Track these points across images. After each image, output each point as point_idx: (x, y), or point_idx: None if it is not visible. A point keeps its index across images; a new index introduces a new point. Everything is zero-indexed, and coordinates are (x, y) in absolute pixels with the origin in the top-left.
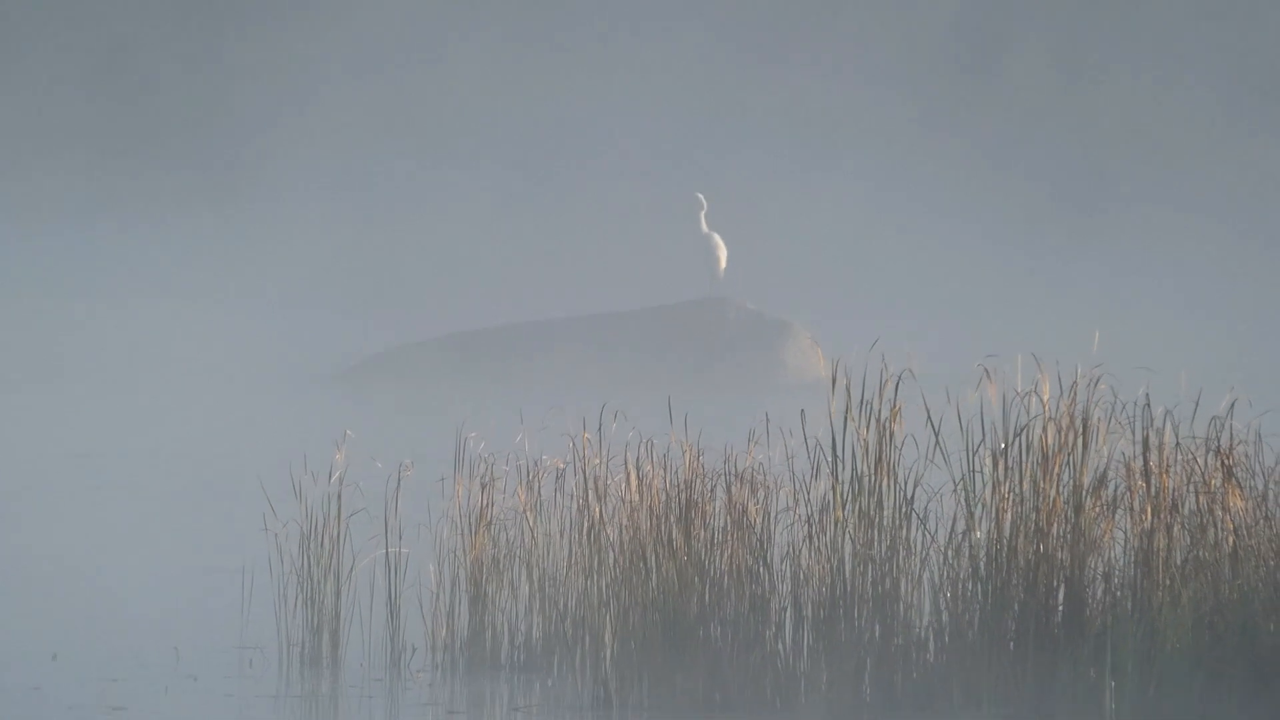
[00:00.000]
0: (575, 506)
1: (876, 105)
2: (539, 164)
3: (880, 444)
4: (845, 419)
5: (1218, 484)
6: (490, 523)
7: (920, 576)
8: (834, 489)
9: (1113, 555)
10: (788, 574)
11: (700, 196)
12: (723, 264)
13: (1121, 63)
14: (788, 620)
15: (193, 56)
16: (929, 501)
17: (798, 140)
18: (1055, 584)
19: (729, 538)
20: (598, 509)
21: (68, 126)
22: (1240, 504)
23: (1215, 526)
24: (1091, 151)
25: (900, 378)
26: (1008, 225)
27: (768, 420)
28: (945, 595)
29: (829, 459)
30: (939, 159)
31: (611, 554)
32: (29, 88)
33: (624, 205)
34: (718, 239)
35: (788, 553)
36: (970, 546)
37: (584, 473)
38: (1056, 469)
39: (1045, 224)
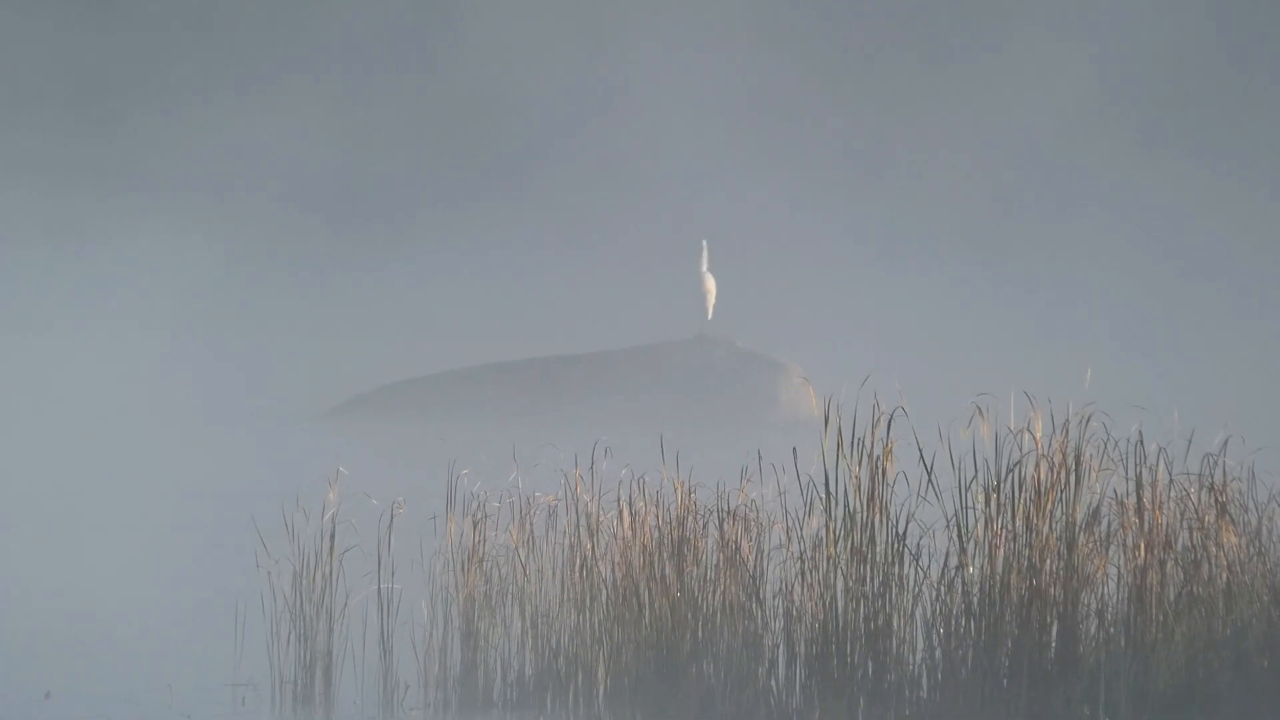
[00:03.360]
0: (568, 543)
1: (864, 146)
2: (537, 204)
3: (873, 481)
4: (838, 456)
5: (1211, 520)
6: (483, 559)
7: (913, 613)
8: (827, 525)
9: (1106, 591)
10: (780, 610)
11: (704, 242)
12: (711, 303)
13: (1115, 111)
14: (780, 657)
15: (159, 74)
16: (921, 538)
17: (790, 183)
18: (1048, 620)
19: (722, 574)
20: (590, 545)
21: (33, 158)
22: (1234, 540)
23: (1209, 563)
24: (1079, 195)
25: (892, 415)
26: (999, 265)
27: (760, 458)
28: (938, 631)
29: (821, 496)
30: (930, 200)
31: (604, 591)
32: None
33: (618, 246)
34: (711, 280)
35: (780, 589)
36: (963, 583)
37: (576, 509)
38: (1049, 505)
39: (1038, 262)
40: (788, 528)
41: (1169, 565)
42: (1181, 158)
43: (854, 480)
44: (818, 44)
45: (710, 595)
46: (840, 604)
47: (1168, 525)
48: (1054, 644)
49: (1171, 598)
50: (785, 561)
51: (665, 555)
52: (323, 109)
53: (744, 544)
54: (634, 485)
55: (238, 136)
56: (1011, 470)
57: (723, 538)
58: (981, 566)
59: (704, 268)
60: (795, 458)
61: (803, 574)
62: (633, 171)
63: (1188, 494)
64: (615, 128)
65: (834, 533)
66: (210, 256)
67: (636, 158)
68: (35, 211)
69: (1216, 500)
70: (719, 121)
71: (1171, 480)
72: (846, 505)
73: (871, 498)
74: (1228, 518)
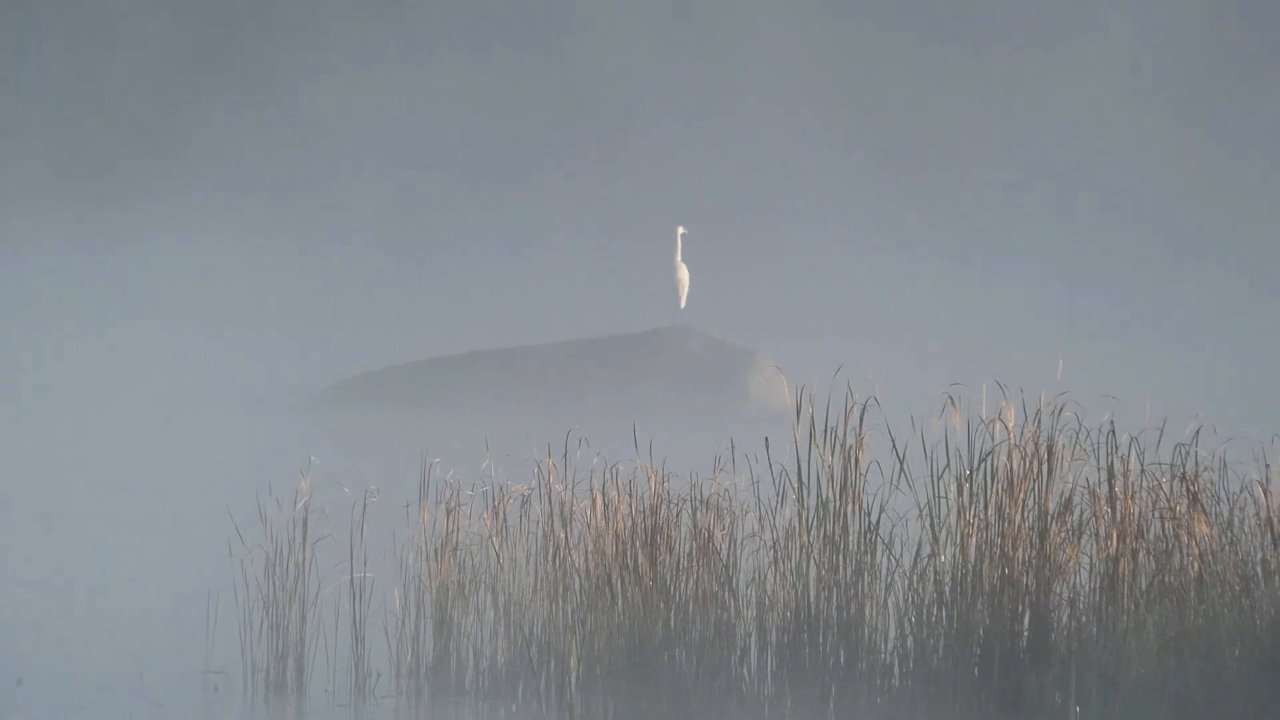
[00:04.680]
0: (541, 532)
1: (838, 140)
2: (509, 195)
3: (845, 470)
4: (810, 446)
5: (1183, 510)
6: (455, 548)
7: (885, 601)
8: (799, 514)
9: (1078, 580)
10: (753, 599)
11: (680, 231)
12: (685, 293)
13: (1080, 96)
14: (753, 645)
15: (156, 70)
16: (894, 527)
17: (762, 176)
18: (1020, 609)
19: (694, 563)
20: (563, 534)
21: (29, 151)
22: (1205, 530)
23: (1180, 552)
24: (1049, 179)
25: (865, 405)
26: (972, 256)
27: (733, 447)
28: (910, 620)
29: (794, 485)
30: (900, 191)
31: (577, 579)
32: None
33: (591, 236)
34: (685, 270)
35: (753, 578)
36: (935, 571)
37: (549, 499)
38: (1021, 495)
39: (1009, 253)
40: (760, 517)
41: (1141, 554)
42: (1158, 144)
43: (827, 470)
44: (800, 34)
45: (683, 584)
46: (813, 593)
47: (1140, 515)
48: (1026, 632)
49: (1143, 587)
50: (758, 550)
51: (638, 544)
52: (293, 104)
53: (717, 533)
54: (607, 474)
55: (230, 128)
56: (984, 460)
57: (696, 527)
58: (954, 555)
59: (679, 258)
60: (768, 447)
61: (775, 563)
62: (610, 160)
63: (1159, 484)
64: (595, 117)
65: (807, 522)
66: (191, 248)
67: (614, 146)
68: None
69: (1188, 490)
70: (697, 110)
71: (1143, 470)
72: (819, 494)
73: (844, 487)
74: (1199, 507)
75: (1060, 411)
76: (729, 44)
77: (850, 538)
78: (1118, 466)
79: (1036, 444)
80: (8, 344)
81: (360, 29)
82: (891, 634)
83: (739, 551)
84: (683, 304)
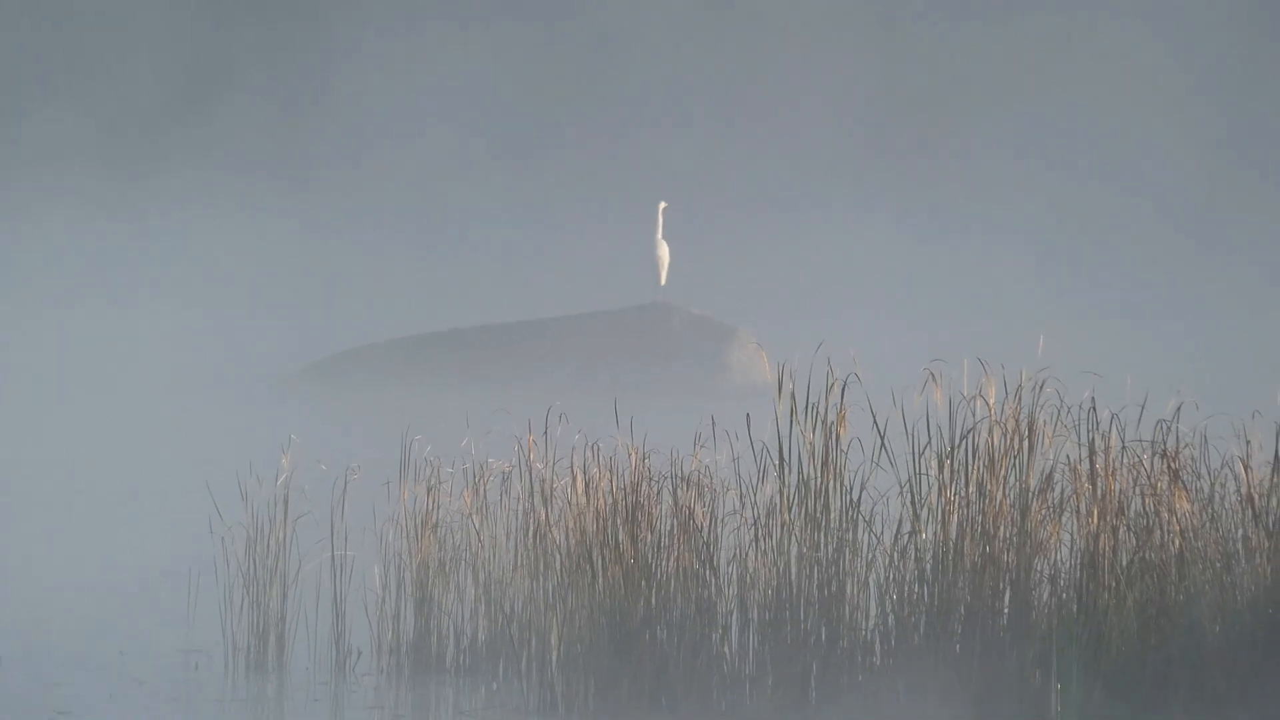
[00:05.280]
0: (521, 510)
1: (820, 114)
2: (484, 168)
3: (826, 447)
4: (791, 422)
5: (1164, 487)
6: (436, 526)
7: (866, 579)
8: (780, 492)
9: (1059, 558)
10: (734, 577)
11: (661, 206)
12: (665, 269)
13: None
14: (734, 623)
15: (159, 57)
16: (875, 505)
17: (744, 149)
18: (1001, 586)
19: (675, 541)
20: (543, 512)
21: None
22: (1186, 506)
23: (1161, 529)
24: (1033, 154)
25: (846, 382)
26: (951, 230)
27: (713, 424)
28: (891, 598)
29: (775, 462)
30: (881, 165)
31: (558, 557)
32: None
33: (569, 210)
34: (665, 247)
35: (734, 556)
36: (916, 549)
37: (530, 476)
38: (1003, 472)
39: (991, 228)
40: (741, 494)
41: (1121, 531)
42: (1148, 120)
43: (808, 447)
44: (776, 21)
45: (664, 562)
46: (794, 570)
47: (1120, 491)
48: (1006, 610)
49: (1124, 564)
50: (739, 528)
51: (619, 522)
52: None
53: (698, 510)
54: (588, 451)
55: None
56: (965, 436)
57: (676, 504)
58: (935, 533)
59: (659, 234)
60: (749, 424)
61: (756, 540)
62: (589, 134)
63: (1140, 460)
64: (575, 93)
65: (788, 499)
66: (171, 225)
67: (594, 119)
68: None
69: (1169, 466)
70: (680, 83)
71: (1124, 447)
72: (800, 472)
73: (825, 464)
74: (1180, 484)
75: (1041, 388)
76: (711, 19)
77: (831, 515)
78: (1099, 443)
79: (1018, 420)
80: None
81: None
82: (873, 612)
83: (720, 529)
84: (663, 281)
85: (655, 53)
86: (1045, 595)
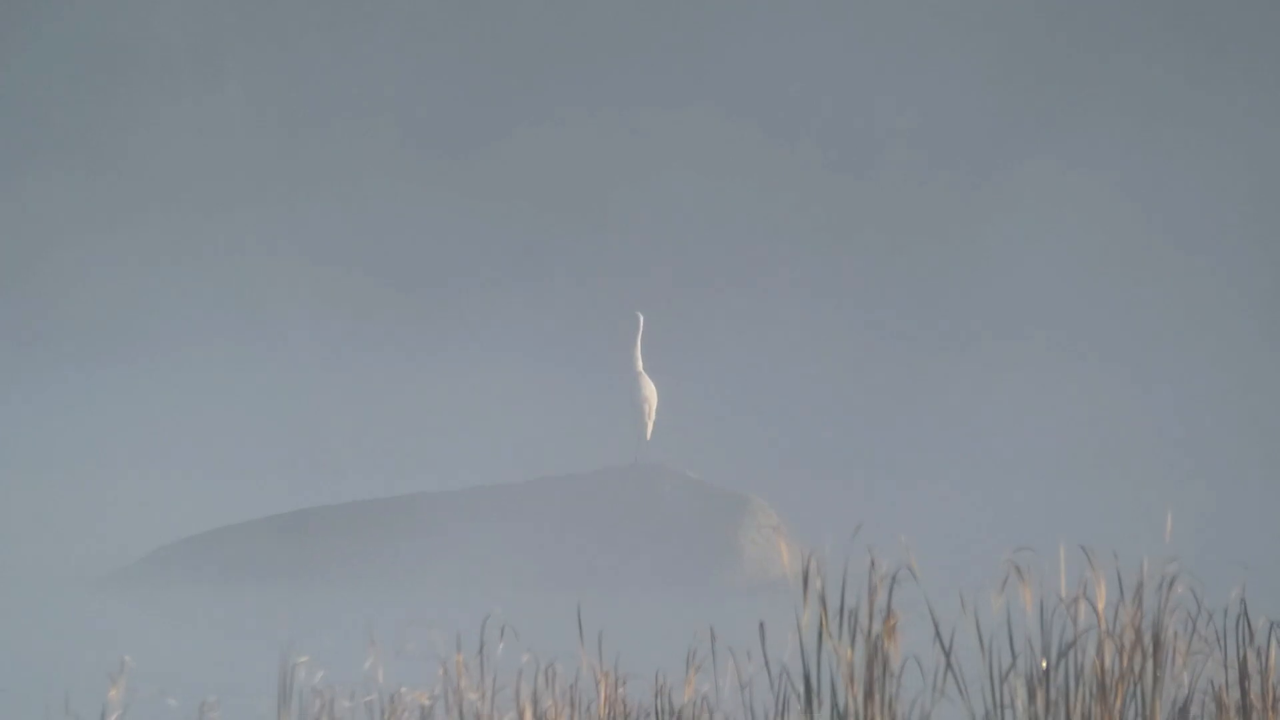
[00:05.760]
0: None
1: (842, 220)
2: (412, 299)
3: (871, 669)
4: (821, 633)
5: None
6: None
7: None
8: None
9: None
10: None
11: (639, 315)
12: (651, 416)
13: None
14: None
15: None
16: None
17: (745, 290)
18: None
19: None
20: None
21: None
22: None
23: None
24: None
25: (895, 577)
26: (1033, 364)
27: (713, 637)
28: None
29: (799, 690)
30: (935, 281)
31: None
32: None
33: (521, 348)
34: (649, 384)
35: None
36: None
37: (460, 710)
38: (1119, 702)
39: (1086, 356)
40: None
41: None
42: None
43: (844, 669)
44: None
45: None
46: None
47: None
48: None
49: None
50: None
51: None
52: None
53: None
54: (540, 676)
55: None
56: (1065, 654)
57: None
58: None
59: (638, 361)
60: (763, 636)
61: None
62: (554, 259)
63: None
64: (524, 216)
65: None
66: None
67: (555, 244)
68: None
69: None
70: (659, 199)
71: None
72: (835, 704)
73: (870, 693)
74: None
75: (1171, 585)
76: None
77: None
78: (1252, 663)
79: (1138, 631)
80: None
81: None
82: None
83: None
84: (648, 433)
85: (636, 172)
86: None
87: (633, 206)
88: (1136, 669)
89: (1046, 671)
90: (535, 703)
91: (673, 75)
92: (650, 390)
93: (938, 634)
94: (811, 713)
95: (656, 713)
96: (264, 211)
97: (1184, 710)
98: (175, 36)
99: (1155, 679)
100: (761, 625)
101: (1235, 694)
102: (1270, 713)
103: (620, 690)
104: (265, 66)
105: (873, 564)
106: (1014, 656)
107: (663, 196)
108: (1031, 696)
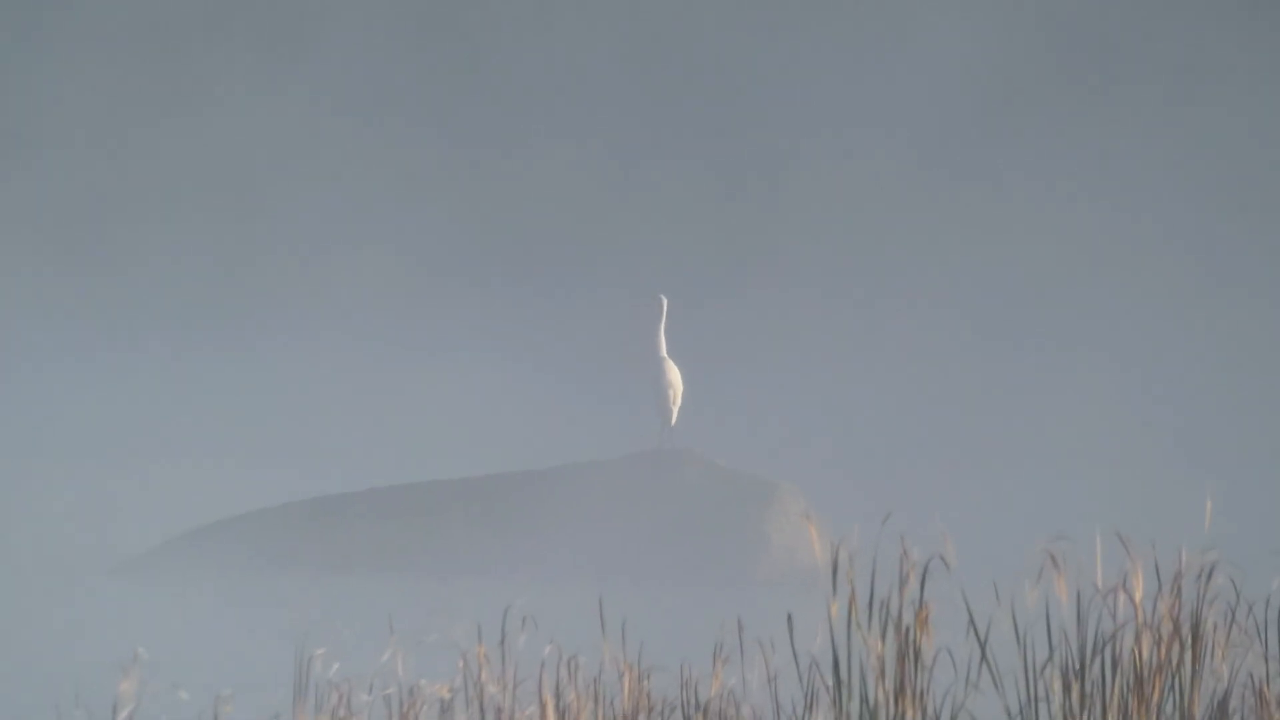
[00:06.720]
0: None
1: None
2: (434, 288)
3: (902, 661)
4: (850, 624)
5: None
6: None
7: None
8: None
9: None
10: None
11: (663, 299)
12: (677, 401)
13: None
14: None
15: None
16: None
17: (772, 274)
18: None
19: None
20: None
21: None
22: None
23: None
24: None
25: (928, 566)
26: (1072, 347)
27: (740, 628)
28: None
29: (829, 684)
30: (970, 260)
31: None
32: None
33: (547, 335)
34: (674, 369)
35: None
36: None
37: (481, 703)
38: (1156, 696)
39: (1126, 342)
40: None
41: None
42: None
43: (875, 661)
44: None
45: None
46: None
47: None
48: None
49: None
50: None
51: None
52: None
53: None
54: (562, 668)
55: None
56: (1102, 646)
57: None
58: None
59: (662, 344)
60: (791, 628)
61: None
62: (582, 252)
63: None
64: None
65: None
66: None
67: (578, 233)
68: None
69: None
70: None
71: None
72: (864, 697)
73: (901, 686)
74: None
75: (1210, 575)
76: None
77: None
78: None
79: (1176, 623)
80: None
81: None
82: None
83: None
84: (673, 418)
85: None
86: None
87: (659, 188)
88: (1174, 661)
89: (1083, 664)
90: (558, 696)
91: (672, 75)
92: (675, 375)
93: (972, 625)
94: (841, 706)
95: (682, 706)
96: (283, 197)
97: (1223, 704)
98: (177, 34)
99: (1194, 672)
100: (789, 616)
101: (1277, 687)
102: None
103: (645, 683)
104: (265, 66)
105: (904, 553)
106: (1050, 649)
107: (687, 180)
108: (1068, 689)
